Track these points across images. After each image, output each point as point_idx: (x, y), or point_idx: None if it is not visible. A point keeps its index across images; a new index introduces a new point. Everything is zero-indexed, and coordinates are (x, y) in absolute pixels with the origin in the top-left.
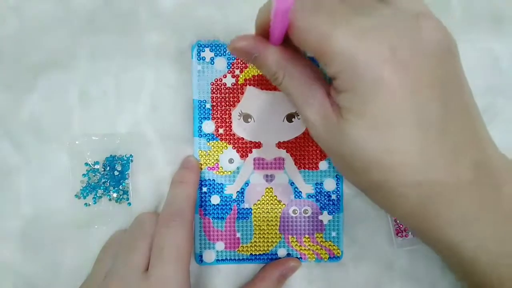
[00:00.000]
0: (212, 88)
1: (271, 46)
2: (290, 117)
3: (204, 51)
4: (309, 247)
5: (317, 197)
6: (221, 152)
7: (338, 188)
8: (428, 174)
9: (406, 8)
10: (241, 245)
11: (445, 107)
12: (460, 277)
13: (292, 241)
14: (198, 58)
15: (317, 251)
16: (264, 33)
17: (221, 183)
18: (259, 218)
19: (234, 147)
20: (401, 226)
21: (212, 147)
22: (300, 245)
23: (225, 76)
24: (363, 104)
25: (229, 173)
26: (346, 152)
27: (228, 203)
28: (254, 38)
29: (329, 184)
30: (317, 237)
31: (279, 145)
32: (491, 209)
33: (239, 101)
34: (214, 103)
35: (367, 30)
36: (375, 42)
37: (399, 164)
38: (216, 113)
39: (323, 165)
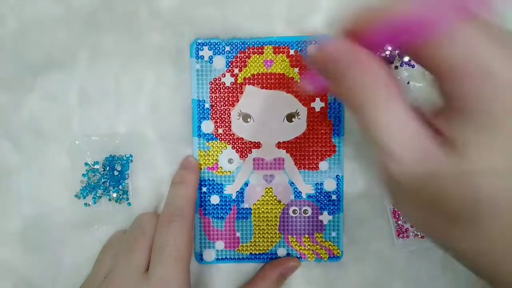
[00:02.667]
0: (211, 88)
1: (367, 52)
2: (290, 117)
3: (202, 50)
4: (309, 247)
5: (317, 197)
6: (220, 152)
7: (339, 189)
8: None
9: None
10: (241, 244)
11: None
12: None
13: (292, 241)
14: (197, 57)
15: (317, 251)
16: (354, 37)
17: (221, 183)
18: (258, 218)
19: (233, 147)
20: (402, 227)
21: (212, 147)
22: (300, 245)
23: (224, 75)
24: (493, 135)
25: (229, 173)
26: (456, 197)
27: (227, 203)
28: (346, 42)
29: (329, 185)
30: (317, 237)
31: (279, 145)
32: None
33: (238, 100)
34: (213, 103)
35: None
36: None
37: None
38: (215, 113)
39: (323, 165)
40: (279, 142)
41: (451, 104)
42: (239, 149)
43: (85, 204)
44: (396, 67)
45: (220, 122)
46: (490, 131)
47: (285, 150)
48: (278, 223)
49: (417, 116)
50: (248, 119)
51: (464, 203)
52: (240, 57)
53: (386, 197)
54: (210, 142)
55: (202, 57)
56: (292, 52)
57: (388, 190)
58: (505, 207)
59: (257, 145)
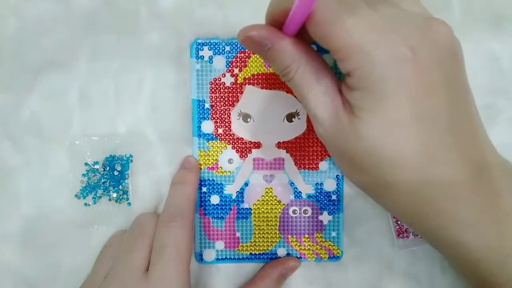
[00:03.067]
0: (211, 88)
1: (286, 37)
2: (290, 117)
3: (202, 50)
4: (309, 247)
5: (317, 197)
6: (220, 152)
7: (339, 189)
8: (435, 172)
9: (412, 10)
10: (241, 244)
11: (453, 108)
12: (466, 277)
13: (292, 241)
14: (197, 57)
15: (316, 251)
16: (275, 23)
17: (221, 183)
18: (258, 218)
19: (233, 147)
20: (402, 227)
21: (212, 147)
22: (300, 245)
23: (224, 75)
24: (378, 102)
25: (229, 173)
26: (356, 150)
27: (227, 203)
28: (267, 28)
29: (330, 185)
30: (317, 237)
31: (279, 145)
32: (495, 210)
33: (238, 100)
34: (213, 103)
35: (386, 27)
36: (396, 41)
37: (409, 162)
38: (215, 113)
39: (323, 165)
40: (279, 142)
41: (347, 78)
42: (239, 149)
43: (85, 204)
44: None
45: (220, 122)
46: (375, 101)
47: (285, 150)
48: (278, 223)
49: (332, 86)
50: (248, 119)
51: (363, 154)
52: (240, 57)
53: None
54: (210, 142)
55: (202, 57)
56: None
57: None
58: (400, 162)
59: (257, 145)
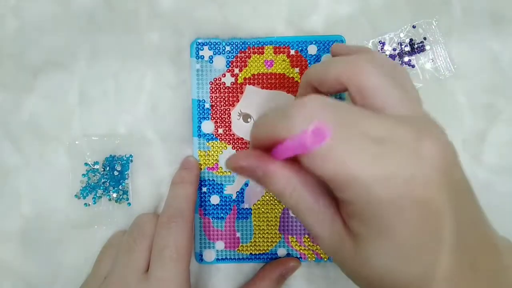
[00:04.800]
0: (211, 88)
1: (276, 162)
2: None
3: (202, 50)
4: (309, 247)
5: None
6: (220, 152)
7: None
8: None
9: (406, 120)
10: (241, 244)
11: (457, 224)
12: None
13: (292, 241)
14: (197, 57)
15: (317, 251)
16: (262, 146)
17: (221, 183)
18: (259, 218)
19: (233, 147)
20: None
21: (212, 147)
22: (300, 245)
23: (224, 75)
24: (380, 234)
25: (229, 173)
26: (368, 275)
27: (227, 203)
28: (255, 155)
29: None
30: None
31: None
32: None
33: (238, 100)
34: (213, 103)
35: (380, 155)
36: (390, 171)
37: (424, 285)
38: (215, 113)
39: None
40: None
41: (343, 205)
42: (240, 149)
43: (85, 204)
44: None
45: (220, 122)
46: (376, 233)
47: None
48: (278, 223)
49: (331, 205)
50: (249, 119)
51: (374, 278)
52: (241, 57)
53: None
54: (210, 142)
55: (202, 57)
56: (292, 52)
57: None
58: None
59: None
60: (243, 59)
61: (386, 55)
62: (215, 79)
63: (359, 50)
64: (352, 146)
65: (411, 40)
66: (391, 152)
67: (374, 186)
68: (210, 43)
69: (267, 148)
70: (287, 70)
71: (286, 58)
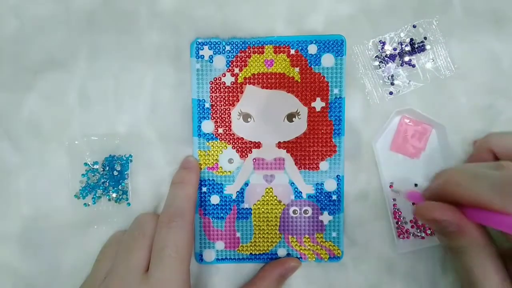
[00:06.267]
0: (211, 87)
1: (470, 222)
2: (290, 117)
3: (202, 49)
4: (309, 247)
5: (318, 197)
6: (220, 152)
7: (339, 189)
8: None
9: None
10: (241, 244)
11: None
12: None
13: (292, 241)
14: (197, 56)
15: (317, 251)
16: (445, 199)
17: (221, 183)
18: (259, 218)
19: (233, 147)
20: (403, 227)
21: (212, 147)
22: (300, 245)
23: (224, 75)
24: None
25: (229, 173)
26: None
27: (228, 203)
28: (453, 211)
29: (330, 185)
30: (317, 237)
31: (279, 145)
32: None
33: (238, 100)
34: (213, 103)
35: None
36: None
37: None
38: (215, 113)
39: (323, 165)
40: (279, 142)
41: None
42: (239, 149)
43: (85, 204)
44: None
45: (220, 121)
46: None
47: (285, 150)
48: (278, 223)
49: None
50: (249, 119)
51: None
52: (241, 57)
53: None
54: (210, 142)
55: (202, 56)
56: (292, 51)
57: None
58: None
59: (258, 145)
60: (243, 58)
61: (387, 54)
62: (215, 79)
63: None
64: None
65: (411, 39)
66: None
67: None
68: (210, 43)
69: (449, 201)
70: (287, 70)
71: (286, 57)
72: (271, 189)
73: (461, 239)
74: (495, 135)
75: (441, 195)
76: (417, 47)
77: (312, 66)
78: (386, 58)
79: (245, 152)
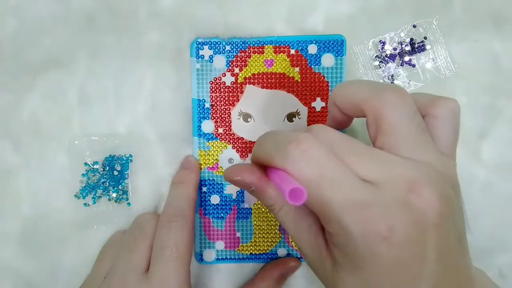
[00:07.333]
0: (211, 87)
1: (269, 182)
2: (290, 117)
3: (202, 49)
4: None
5: None
6: (220, 152)
7: None
8: None
9: (408, 166)
10: (241, 244)
11: (434, 276)
12: None
13: (292, 241)
14: (197, 56)
15: None
16: (259, 162)
17: (221, 183)
18: (259, 218)
19: (234, 147)
20: None
21: (212, 147)
22: None
23: (224, 75)
24: (355, 270)
25: None
26: None
27: (228, 203)
28: (252, 172)
29: None
30: None
31: None
32: None
33: (238, 100)
34: (213, 103)
35: (367, 201)
36: (373, 218)
37: None
38: (215, 113)
39: None
40: None
41: (328, 233)
42: (240, 149)
43: (85, 204)
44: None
45: (221, 121)
46: (352, 268)
47: None
48: (278, 223)
49: (315, 225)
50: (249, 119)
51: None
52: (241, 57)
53: None
54: (210, 141)
55: (202, 56)
56: (292, 51)
57: None
58: None
59: None
60: (243, 58)
61: (387, 54)
62: (215, 79)
63: (391, 87)
64: (338, 186)
65: (411, 39)
66: (377, 197)
67: (353, 227)
68: (210, 43)
69: (263, 164)
70: (287, 70)
71: (286, 57)
72: None
73: (264, 199)
74: (336, 88)
75: (254, 158)
76: (417, 47)
77: (312, 66)
78: (386, 58)
79: (245, 152)
